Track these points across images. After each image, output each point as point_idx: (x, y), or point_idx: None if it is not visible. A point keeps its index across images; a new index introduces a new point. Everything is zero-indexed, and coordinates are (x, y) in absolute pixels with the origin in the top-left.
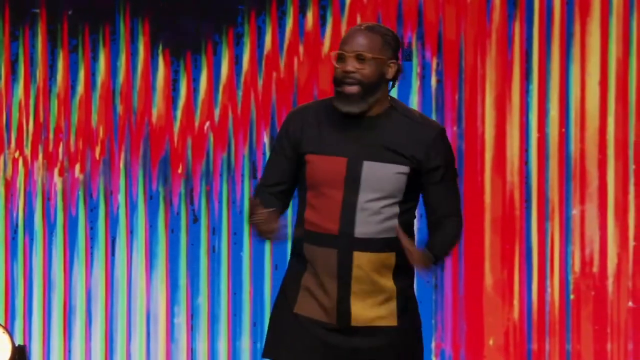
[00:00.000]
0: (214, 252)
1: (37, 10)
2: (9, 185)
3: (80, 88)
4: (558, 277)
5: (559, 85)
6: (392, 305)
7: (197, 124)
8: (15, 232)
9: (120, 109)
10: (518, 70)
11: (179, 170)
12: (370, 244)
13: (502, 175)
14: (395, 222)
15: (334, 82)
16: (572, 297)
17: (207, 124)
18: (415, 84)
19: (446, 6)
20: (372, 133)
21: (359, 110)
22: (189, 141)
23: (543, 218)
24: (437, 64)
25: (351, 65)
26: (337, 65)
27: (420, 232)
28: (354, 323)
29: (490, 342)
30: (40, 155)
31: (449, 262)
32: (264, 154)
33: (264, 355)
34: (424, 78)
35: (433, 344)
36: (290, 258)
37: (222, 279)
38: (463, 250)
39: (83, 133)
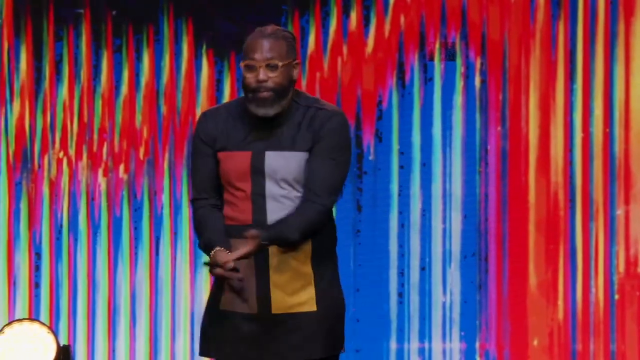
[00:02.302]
0: None
1: (82, 11)
2: (54, 186)
3: (124, 88)
4: (603, 278)
5: (603, 85)
6: (311, 291)
7: None
8: (60, 232)
9: (164, 109)
10: (562, 70)
11: None
12: None
13: (547, 176)
14: None
15: (246, 90)
16: (616, 297)
17: None
18: (459, 84)
19: (490, 6)
20: (275, 127)
21: (274, 113)
22: None
23: (587, 218)
24: (481, 64)
25: (263, 74)
26: (247, 75)
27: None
28: (274, 311)
29: (535, 342)
30: (85, 156)
31: (492, 263)
32: None
33: (199, 354)
34: (468, 78)
35: (477, 345)
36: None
37: None
38: (507, 250)
39: (127, 133)
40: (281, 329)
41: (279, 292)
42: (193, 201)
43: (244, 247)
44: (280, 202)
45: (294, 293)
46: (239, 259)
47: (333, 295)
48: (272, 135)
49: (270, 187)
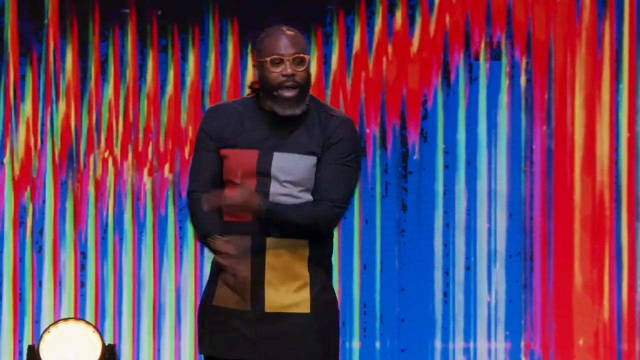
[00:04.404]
0: None
1: (127, 11)
2: (99, 185)
3: (169, 88)
4: None
5: None
6: (306, 293)
7: None
8: (105, 231)
9: None
10: (608, 69)
11: None
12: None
13: (592, 175)
14: None
15: (271, 87)
16: None
17: None
18: (505, 83)
19: (535, 6)
20: (287, 128)
21: (300, 112)
22: None
23: (633, 217)
24: (527, 64)
25: (291, 68)
26: (273, 70)
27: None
28: (267, 309)
29: (580, 342)
30: (130, 155)
31: (537, 262)
32: None
33: (200, 352)
34: (513, 77)
35: (522, 344)
36: (214, 257)
37: None
38: (553, 249)
39: (172, 133)
40: (273, 328)
41: (273, 291)
42: (190, 193)
43: (237, 196)
44: (283, 202)
45: (289, 293)
46: (226, 206)
47: (327, 300)
48: (282, 137)
49: (274, 187)
